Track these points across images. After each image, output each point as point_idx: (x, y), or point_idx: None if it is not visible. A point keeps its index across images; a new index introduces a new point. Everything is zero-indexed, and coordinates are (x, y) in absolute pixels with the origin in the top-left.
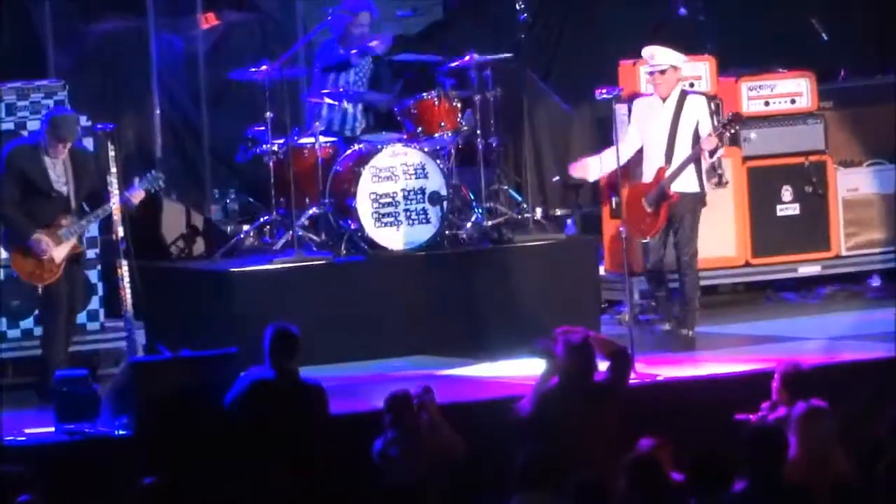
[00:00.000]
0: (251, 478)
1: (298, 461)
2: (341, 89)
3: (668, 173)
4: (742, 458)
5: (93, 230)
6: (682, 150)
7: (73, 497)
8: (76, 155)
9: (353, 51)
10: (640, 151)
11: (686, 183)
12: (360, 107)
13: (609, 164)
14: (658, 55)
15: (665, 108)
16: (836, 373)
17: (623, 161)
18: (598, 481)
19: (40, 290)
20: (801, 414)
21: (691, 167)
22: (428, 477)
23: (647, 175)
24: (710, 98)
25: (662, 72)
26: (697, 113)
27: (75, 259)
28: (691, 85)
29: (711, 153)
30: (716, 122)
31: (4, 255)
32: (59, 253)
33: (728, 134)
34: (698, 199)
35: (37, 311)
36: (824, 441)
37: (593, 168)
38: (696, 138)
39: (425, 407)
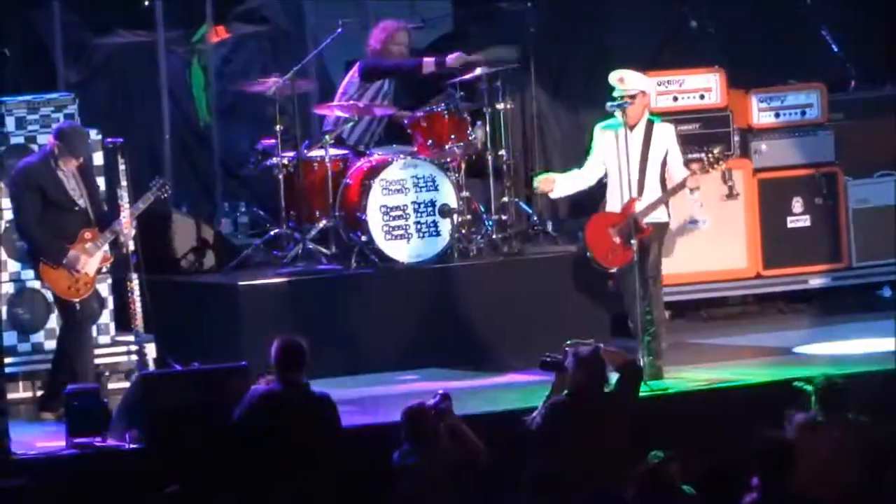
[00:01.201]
0: (259, 490)
1: (306, 473)
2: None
3: (640, 206)
4: (752, 470)
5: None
6: (653, 179)
7: None
8: (83, 167)
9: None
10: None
11: (656, 214)
12: (382, 123)
13: (568, 188)
14: (628, 79)
15: (633, 137)
16: (844, 384)
17: (583, 187)
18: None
19: (78, 305)
20: (799, 428)
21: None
22: (447, 486)
23: (614, 204)
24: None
25: (632, 97)
26: (667, 142)
27: (101, 269)
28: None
29: (692, 190)
30: (705, 158)
31: (14, 268)
32: (91, 266)
33: (711, 171)
34: (665, 227)
35: (47, 325)
36: (827, 454)
37: (558, 187)
38: (664, 167)
39: (445, 415)
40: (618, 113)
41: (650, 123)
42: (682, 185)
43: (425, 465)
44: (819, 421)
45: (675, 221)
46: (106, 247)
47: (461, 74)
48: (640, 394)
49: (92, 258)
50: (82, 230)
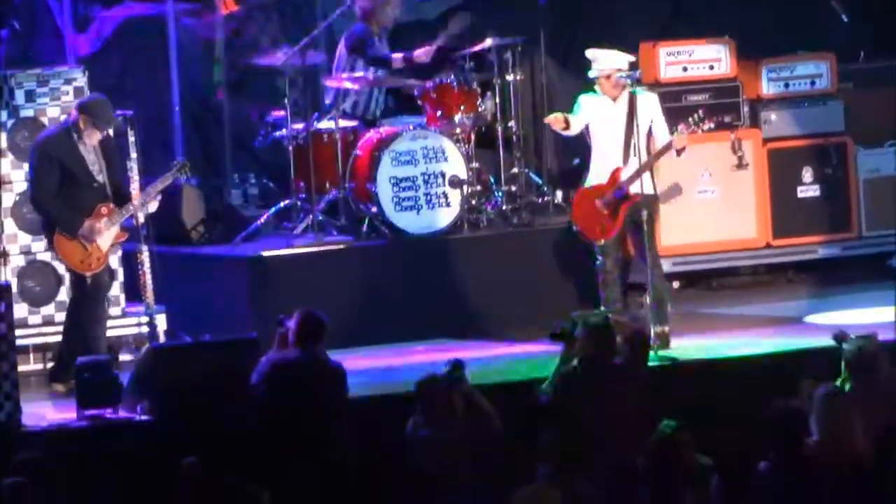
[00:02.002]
0: (273, 461)
1: (319, 443)
2: (370, 76)
3: (625, 174)
4: (765, 439)
5: None
6: (638, 150)
7: (94, 482)
8: (105, 142)
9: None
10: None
11: (644, 186)
12: (383, 90)
13: (577, 128)
14: (601, 59)
15: (617, 108)
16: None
17: (571, 133)
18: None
19: (89, 279)
20: (820, 397)
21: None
22: (460, 459)
23: (600, 176)
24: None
25: (608, 76)
26: (651, 111)
27: (114, 246)
28: (638, 81)
29: (679, 152)
30: (690, 119)
31: (25, 241)
32: (105, 242)
33: (699, 132)
34: (654, 199)
35: (58, 297)
36: (843, 424)
37: (572, 124)
38: (650, 138)
39: (458, 384)
40: (598, 86)
41: (632, 95)
42: (668, 147)
43: (439, 438)
44: (841, 390)
45: (682, 192)
46: (117, 228)
47: (463, 49)
48: (650, 364)
49: (106, 233)
50: (99, 205)
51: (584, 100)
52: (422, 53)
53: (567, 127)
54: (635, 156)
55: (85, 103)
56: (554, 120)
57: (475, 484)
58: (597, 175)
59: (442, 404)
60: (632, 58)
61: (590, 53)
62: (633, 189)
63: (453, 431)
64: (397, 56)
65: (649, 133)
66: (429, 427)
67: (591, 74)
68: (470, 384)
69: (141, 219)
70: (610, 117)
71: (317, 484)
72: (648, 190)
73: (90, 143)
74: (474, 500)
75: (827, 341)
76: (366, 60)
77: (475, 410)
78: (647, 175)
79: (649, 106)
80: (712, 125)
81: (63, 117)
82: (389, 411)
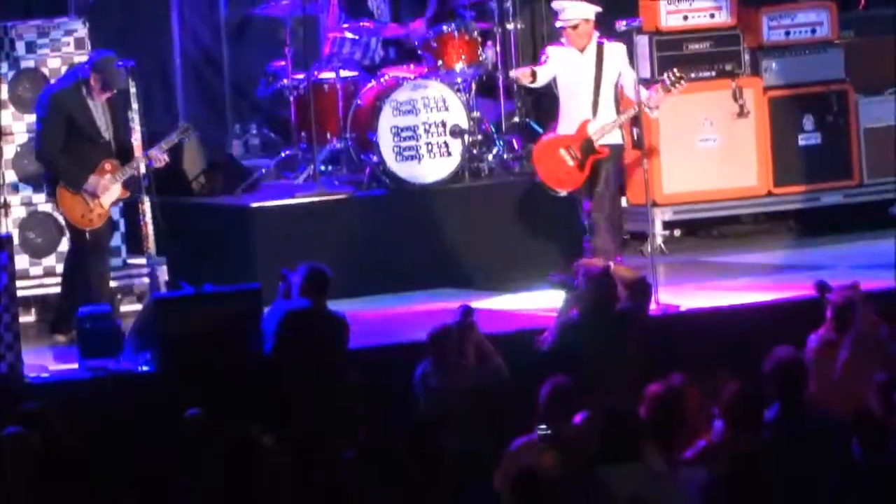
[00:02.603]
0: (276, 408)
1: (326, 393)
2: (364, 24)
3: (593, 126)
4: (767, 387)
5: None
6: (606, 101)
7: (97, 433)
8: (113, 99)
9: None
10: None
11: (610, 136)
12: (380, 39)
13: (543, 80)
14: (568, 9)
15: (584, 59)
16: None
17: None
18: (628, 410)
19: (87, 234)
20: (814, 348)
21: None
22: (466, 406)
23: (567, 127)
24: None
25: (574, 27)
26: (619, 63)
27: (116, 203)
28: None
29: (652, 109)
30: (666, 79)
31: (27, 192)
32: (108, 199)
33: (674, 90)
34: (621, 149)
35: (59, 248)
36: (841, 373)
37: (538, 77)
38: (617, 89)
39: (468, 331)
40: (565, 37)
41: (600, 46)
42: (640, 108)
43: (447, 387)
44: (832, 340)
45: (682, 140)
46: (120, 185)
47: None
48: (651, 312)
49: (110, 190)
50: (103, 161)
51: (551, 51)
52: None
53: (534, 80)
54: (604, 108)
55: (98, 63)
56: (521, 75)
57: (478, 431)
58: (564, 126)
59: (453, 353)
60: (598, 8)
61: (556, 4)
62: (601, 142)
63: (462, 379)
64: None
65: (617, 84)
66: (437, 376)
67: (558, 24)
68: (479, 331)
69: (142, 169)
70: (577, 68)
71: (321, 431)
72: (617, 140)
73: (98, 100)
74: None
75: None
76: (351, 15)
77: (484, 358)
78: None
79: (617, 57)
80: (686, 86)
81: (64, 69)
82: (392, 361)
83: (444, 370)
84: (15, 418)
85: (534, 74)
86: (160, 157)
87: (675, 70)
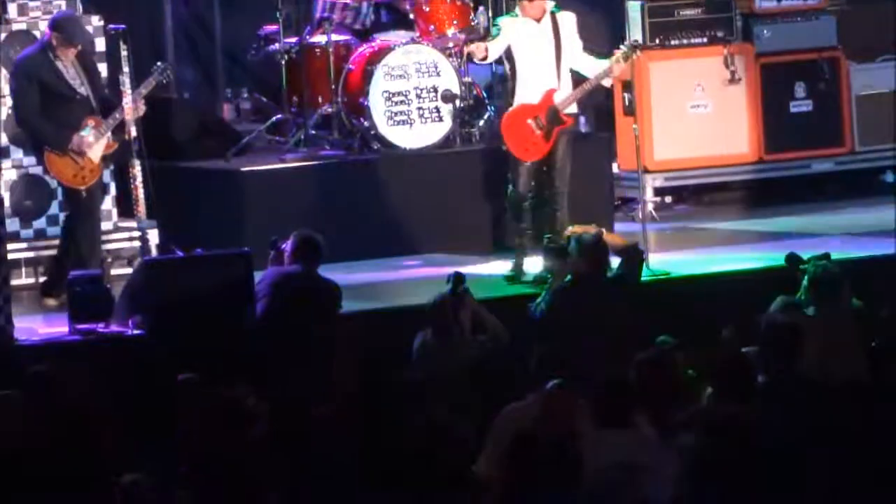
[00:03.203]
0: (268, 373)
1: (319, 359)
2: None
3: (559, 96)
4: (759, 354)
5: None
6: (566, 70)
7: (86, 396)
8: (82, 55)
9: None
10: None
11: (571, 106)
12: (371, 3)
13: (495, 54)
14: None
15: (542, 29)
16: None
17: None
18: (619, 376)
19: (84, 192)
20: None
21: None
22: (464, 375)
23: (530, 96)
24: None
25: None
26: (572, 31)
27: (105, 158)
28: None
29: (608, 77)
30: (623, 47)
31: (16, 154)
32: (96, 153)
33: (633, 58)
34: (576, 119)
35: (49, 211)
36: (822, 343)
37: (490, 52)
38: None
39: (462, 301)
40: (520, 8)
41: (553, 14)
42: (606, 73)
43: (446, 357)
44: (805, 313)
45: (673, 106)
46: (109, 133)
47: None
48: (643, 279)
49: (96, 144)
50: (86, 117)
51: (504, 23)
52: None
53: (486, 55)
54: (566, 77)
55: (56, 20)
56: (476, 49)
57: (474, 398)
58: (525, 95)
59: (450, 324)
60: None
61: None
62: (566, 112)
63: (461, 349)
64: None
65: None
66: (437, 344)
67: None
68: (474, 299)
69: (133, 133)
70: (536, 38)
71: (312, 396)
72: (574, 110)
73: (66, 58)
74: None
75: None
76: None
77: (482, 326)
78: None
79: (570, 26)
80: (640, 54)
81: (44, 35)
82: (383, 325)
83: (443, 340)
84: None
85: (486, 50)
86: (139, 108)
87: (632, 39)
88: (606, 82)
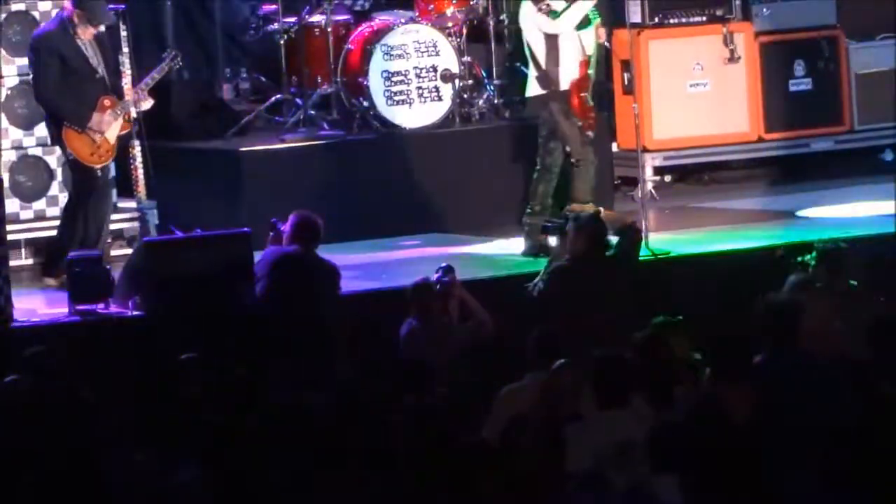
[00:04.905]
0: (264, 353)
1: (315, 338)
2: None
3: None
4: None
5: None
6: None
7: (87, 377)
8: (98, 36)
9: None
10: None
11: None
12: None
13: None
14: None
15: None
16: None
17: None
18: (618, 355)
19: (99, 171)
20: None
21: None
22: (454, 361)
23: (573, 70)
24: None
25: None
26: None
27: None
28: None
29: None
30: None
31: (16, 136)
32: (112, 133)
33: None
34: None
35: (49, 192)
36: (821, 318)
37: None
38: None
39: (450, 290)
40: None
41: None
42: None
43: (434, 343)
44: (816, 285)
45: (672, 85)
46: (121, 118)
47: None
48: (642, 258)
49: (114, 124)
50: (101, 97)
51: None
52: None
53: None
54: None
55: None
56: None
57: (467, 380)
58: (570, 69)
59: (437, 311)
60: None
61: None
62: None
63: (448, 336)
64: None
65: None
66: (424, 332)
67: None
68: (462, 287)
69: (133, 113)
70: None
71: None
72: None
73: (85, 37)
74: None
75: (819, 235)
76: None
77: (469, 314)
78: None
79: None
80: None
81: (55, 12)
82: (382, 306)
83: (428, 326)
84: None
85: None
86: (151, 85)
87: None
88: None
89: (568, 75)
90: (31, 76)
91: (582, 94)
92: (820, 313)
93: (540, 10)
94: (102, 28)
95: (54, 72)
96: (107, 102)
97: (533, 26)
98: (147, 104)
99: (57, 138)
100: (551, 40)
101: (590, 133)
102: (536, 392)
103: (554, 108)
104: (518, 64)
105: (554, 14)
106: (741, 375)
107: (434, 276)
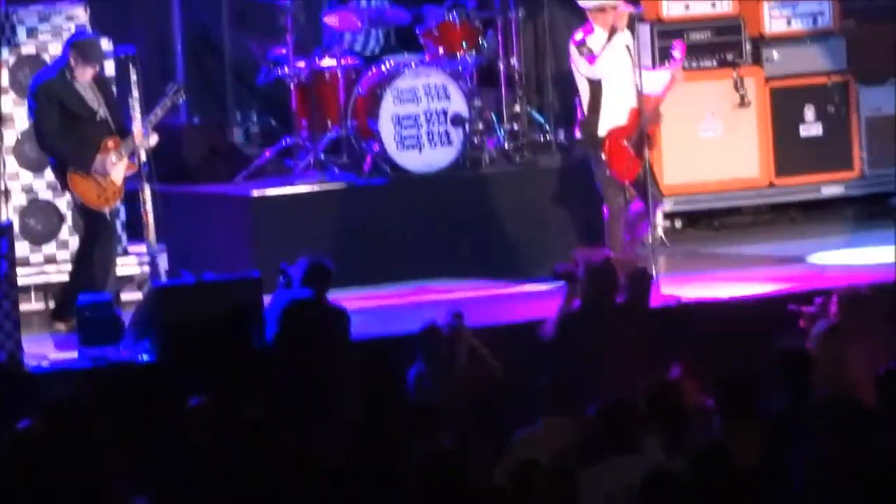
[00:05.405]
0: (276, 397)
1: (328, 384)
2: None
3: (643, 113)
4: (774, 378)
5: None
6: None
7: (96, 422)
8: (98, 77)
9: None
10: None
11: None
12: (381, 28)
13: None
14: None
15: (618, 44)
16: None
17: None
18: (621, 405)
19: (108, 214)
20: (819, 333)
21: None
22: (462, 404)
23: (619, 116)
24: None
25: (614, 7)
26: (630, 44)
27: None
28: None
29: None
30: (675, 55)
31: (27, 179)
32: (118, 175)
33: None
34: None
35: (60, 236)
36: (840, 360)
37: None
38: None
39: (459, 335)
40: (595, 23)
41: (613, 30)
42: (673, 82)
43: (441, 388)
44: (838, 327)
45: (683, 130)
46: (125, 159)
47: None
48: (652, 303)
49: (119, 165)
50: (105, 139)
51: (594, 43)
52: None
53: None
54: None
55: (74, 41)
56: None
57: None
58: (612, 116)
59: (444, 357)
60: None
61: None
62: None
63: (456, 381)
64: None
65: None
66: (431, 376)
67: (593, 7)
68: (470, 334)
69: (143, 157)
70: (615, 54)
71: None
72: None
73: (83, 80)
74: (474, 441)
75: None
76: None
77: (477, 361)
78: None
79: (629, 39)
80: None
81: (60, 56)
82: (392, 352)
83: (435, 370)
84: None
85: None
86: (154, 123)
87: (676, 42)
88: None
89: (608, 121)
90: (32, 123)
91: (621, 142)
92: (838, 358)
93: (581, 52)
94: (108, 68)
95: (54, 118)
96: (110, 143)
97: (576, 69)
98: (153, 140)
99: (63, 184)
100: (594, 84)
101: (626, 182)
102: (549, 437)
103: (589, 154)
104: (528, 108)
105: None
106: (750, 420)
107: (443, 320)
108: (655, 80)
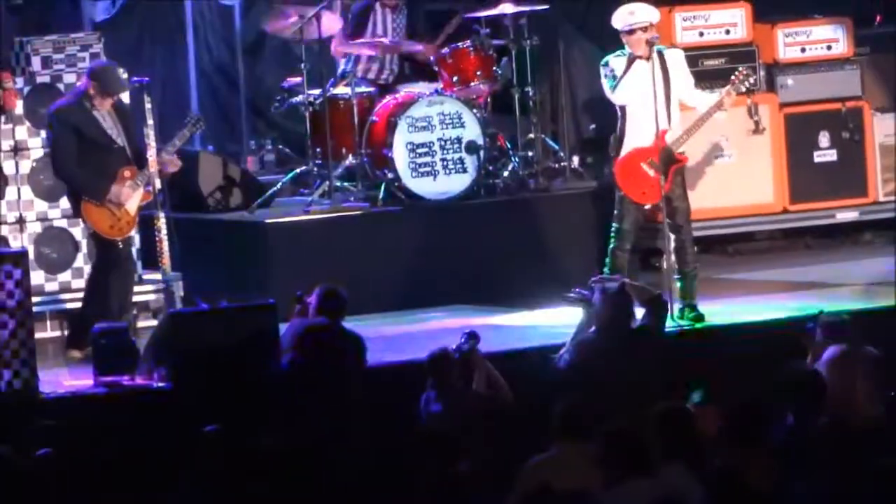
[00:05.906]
0: (291, 425)
1: (341, 411)
2: (377, 39)
3: (671, 136)
4: (782, 403)
5: None
6: (676, 108)
7: (111, 450)
8: (117, 105)
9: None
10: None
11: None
12: (395, 56)
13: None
14: (639, 12)
15: (652, 67)
16: (873, 318)
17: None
18: (628, 431)
19: (120, 244)
20: (831, 358)
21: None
22: (472, 432)
23: (639, 139)
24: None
25: (645, 29)
26: (681, 68)
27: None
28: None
29: (722, 110)
30: (735, 77)
31: (42, 207)
32: (133, 204)
33: (743, 88)
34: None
35: (75, 264)
36: (851, 384)
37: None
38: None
39: (471, 359)
40: (628, 46)
41: (660, 53)
42: (718, 106)
43: (451, 412)
44: (849, 352)
45: (697, 156)
46: (141, 188)
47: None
48: (668, 329)
49: (134, 195)
50: (121, 168)
51: (614, 63)
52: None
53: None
54: (676, 116)
55: (94, 70)
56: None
57: (487, 454)
58: (636, 138)
59: (455, 379)
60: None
61: (626, 8)
62: (680, 150)
63: (466, 406)
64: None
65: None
66: (441, 401)
67: (624, 28)
68: (482, 357)
69: (158, 185)
70: (647, 77)
71: (334, 449)
72: (684, 149)
73: (102, 108)
74: (486, 467)
75: (842, 305)
76: (347, 33)
77: (488, 384)
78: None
79: (680, 61)
80: (753, 80)
81: (80, 84)
82: (406, 378)
83: (445, 395)
84: (32, 434)
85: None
86: (173, 161)
87: (742, 67)
88: (720, 116)
89: (631, 143)
90: (49, 151)
91: (638, 163)
92: (844, 381)
93: (605, 75)
94: (124, 97)
95: (71, 145)
96: (126, 173)
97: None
98: (174, 167)
99: (77, 212)
100: (620, 109)
101: (646, 206)
102: (563, 463)
103: (611, 175)
104: (543, 135)
105: (611, 80)
106: (763, 445)
107: (457, 344)
108: (701, 98)
